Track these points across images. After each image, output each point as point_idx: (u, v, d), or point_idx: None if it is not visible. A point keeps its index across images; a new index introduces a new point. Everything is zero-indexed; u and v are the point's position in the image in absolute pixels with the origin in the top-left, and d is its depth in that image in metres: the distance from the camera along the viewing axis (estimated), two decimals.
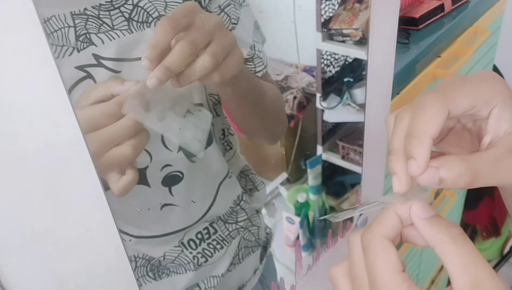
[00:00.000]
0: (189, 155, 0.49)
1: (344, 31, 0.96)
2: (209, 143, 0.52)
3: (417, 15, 0.95)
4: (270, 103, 0.57)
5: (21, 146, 0.27)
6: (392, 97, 0.72)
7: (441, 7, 0.99)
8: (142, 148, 0.39)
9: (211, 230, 0.56)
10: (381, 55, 0.64)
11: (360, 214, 0.70)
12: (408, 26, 0.96)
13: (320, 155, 1.10)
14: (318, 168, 1.07)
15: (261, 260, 0.65)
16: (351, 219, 0.70)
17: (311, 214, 1.04)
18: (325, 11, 0.96)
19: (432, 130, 0.28)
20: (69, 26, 0.38)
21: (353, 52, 0.95)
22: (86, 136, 0.30)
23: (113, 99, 0.37)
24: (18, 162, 0.28)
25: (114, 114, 0.37)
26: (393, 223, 0.29)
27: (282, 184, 1.07)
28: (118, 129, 0.37)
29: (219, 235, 0.56)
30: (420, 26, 0.95)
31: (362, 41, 0.94)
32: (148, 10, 0.42)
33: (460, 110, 0.30)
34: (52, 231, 0.31)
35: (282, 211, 1.04)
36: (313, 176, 1.06)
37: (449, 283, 0.27)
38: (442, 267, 1.47)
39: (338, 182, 1.16)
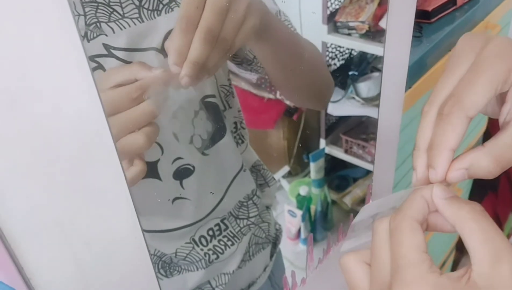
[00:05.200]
0: (200, 148, 0.48)
1: (350, 24, 0.94)
2: (221, 136, 0.50)
3: (429, 8, 0.93)
4: (310, 56, 0.56)
5: (46, 134, 0.26)
6: (405, 90, 0.71)
7: (453, 1, 0.97)
8: (154, 139, 0.39)
9: (222, 227, 0.55)
10: (397, 49, 0.63)
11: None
12: (421, 19, 0.94)
13: (323, 149, 1.09)
14: (321, 161, 1.06)
15: (271, 256, 0.64)
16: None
17: (313, 208, 1.04)
18: (331, 4, 0.95)
19: (452, 144, 0.30)
20: (79, 15, 0.37)
21: (365, 46, 0.94)
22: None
23: (136, 83, 0.36)
24: (43, 149, 0.27)
25: (136, 97, 0.36)
26: (421, 205, 0.30)
27: (284, 177, 1.06)
28: (138, 113, 0.36)
29: (230, 231, 0.55)
30: (433, 20, 0.94)
31: (369, 34, 0.93)
32: None
33: (480, 108, 0.29)
34: (74, 219, 0.30)
35: (284, 204, 1.03)
36: (315, 170, 1.05)
37: (453, 267, 0.27)
38: (449, 254, 1.50)
39: (340, 176, 1.16)
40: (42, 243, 0.29)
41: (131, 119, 0.36)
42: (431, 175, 0.30)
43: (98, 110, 0.28)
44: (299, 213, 1.01)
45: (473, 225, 0.27)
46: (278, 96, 0.94)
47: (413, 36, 0.89)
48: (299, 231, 1.02)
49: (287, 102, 0.94)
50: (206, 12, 0.36)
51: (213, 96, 0.49)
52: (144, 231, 0.48)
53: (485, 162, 0.29)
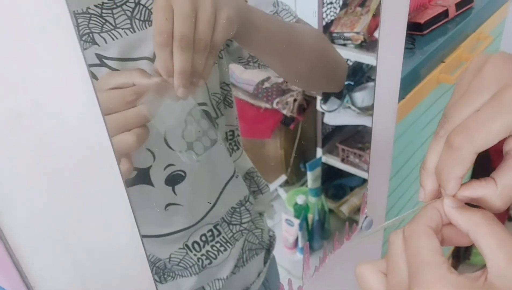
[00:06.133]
0: (191, 155, 0.49)
1: (346, 35, 0.96)
2: (213, 142, 0.51)
3: (422, 21, 0.95)
4: (312, 42, 0.56)
5: (50, 145, 0.27)
6: (398, 101, 0.72)
7: (445, 13, 0.99)
8: (144, 140, 0.39)
9: (215, 232, 0.55)
10: (390, 61, 0.64)
11: (366, 217, 0.70)
12: (413, 31, 0.96)
13: (320, 158, 1.10)
14: (318, 170, 1.06)
15: (264, 263, 0.64)
16: (356, 221, 0.70)
17: (310, 217, 1.04)
18: (327, 15, 0.96)
19: (460, 174, 0.30)
20: (74, 26, 0.38)
21: (360, 57, 0.95)
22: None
23: (132, 88, 0.37)
24: (46, 161, 0.27)
25: (130, 101, 0.37)
26: (434, 214, 0.31)
27: (281, 186, 1.07)
28: (131, 116, 0.37)
29: (223, 237, 0.56)
30: (425, 32, 0.96)
31: (363, 45, 0.94)
32: (149, 7, 0.42)
33: (490, 145, 0.30)
34: (76, 229, 0.31)
35: (281, 213, 1.03)
36: (312, 179, 1.06)
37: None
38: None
39: (337, 185, 1.16)
40: (45, 251, 0.30)
41: (123, 120, 0.37)
42: (442, 191, 0.32)
43: (100, 122, 0.29)
44: (296, 222, 1.01)
45: (486, 229, 0.28)
46: (274, 106, 0.96)
47: (406, 48, 0.90)
48: (296, 240, 1.02)
49: (284, 112, 0.96)
50: (176, 20, 0.37)
51: (205, 104, 0.50)
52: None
53: (495, 202, 0.30)
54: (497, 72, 0.30)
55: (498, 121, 0.28)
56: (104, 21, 0.40)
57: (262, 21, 0.47)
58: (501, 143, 0.32)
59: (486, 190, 0.30)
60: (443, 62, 0.97)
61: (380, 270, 0.31)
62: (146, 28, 0.42)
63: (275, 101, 0.95)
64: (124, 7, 0.41)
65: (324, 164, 1.09)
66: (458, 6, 1.03)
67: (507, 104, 0.28)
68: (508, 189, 0.30)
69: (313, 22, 0.89)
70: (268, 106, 0.95)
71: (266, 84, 0.94)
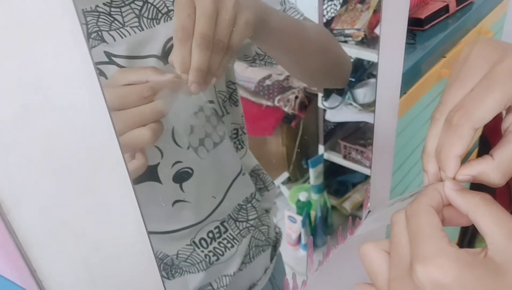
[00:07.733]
0: (198, 152, 0.50)
1: (346, 31, 0.96)
2: (220, 140, 0.52)
3: (422, 16, 0.95)
4: (319, 39, 0.57)
5: (57, 142, 0.28)
6: (399, 96, 0.73)
7: (446, 8, 0.99)
8: (160, 135, 0.40)
9: (222, 229, 0.56)
10: (391, 56, 0.64)
11: (369, 211, 0.71)
12: (414, 26, 0.96)
13: (322, 155, 1.10)
14: (320, 167, 1.07)
15: (271, 259, 0.65)
16: (359, 217, 0.70)
17: (313, 213, 1.05)
18: (327, 12, 0.96)
19: (459, 152, 0.32)
20: (81, 24, 0.38)
21: (361, 53, 0.95)
22: (115, 114, 0.30)
23: (149, 83, 0.38)
24: (53, 157, 0.28)
25: (147, 96, 0.38)
26: (435, 194, 0.32)
27: (283, 183, 1.07)
28: (148, 111, 0.38)
29: (230, 233, 0.56)
30: (426, 27, 0.96)
31: (364, 41, 0.95)
32: (157, 6, 0.42)
33: (487, 121, 0.31)
34: (83, 224, 0.31)
35: (284, 210, 1.04)
36: (315, 175, 1.06)
37: None
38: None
39: (339, 181, 1.17)
40: (54, 247, 0.30)
41: (140, 115, 0.37)
42: (442, 175, 0.33)
43: (106, 119, 0.29)
44: (299, 219, 1.01)
45: (485, 210, 0.29)
46: (276, 103, 0.96)
47: (407, 43, 0.91)
48: (299, 236, 1.03)
49: (285, 109, 0.96)
50: (198, 18, 0.38)
51: (212, 101, 0.50)
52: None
53: (494, 175, 0.31)
54: (483, 55, 0.32)
55: (491, 96, 0.30)
56: (112, 19, 0.40)
57: (278, 21, 0.48)
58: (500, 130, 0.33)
59: (484, 165, 0.32)
60: (444, 57, 0.98)
61: (383, 249, 0.32)
62: (154, 26, 0.42)
63: (276, 99, 0.95)
64: (132, 5, 0.41)
65: (326, 161, 1.10)
66: (458, 1, 1.04)
67: (498, 80, 0.30)
68: (505, 161, 0.31)
69: (314, 19, 0.90)
70: (269, 103, 0.96)
71: (267, 82, 0.95)
